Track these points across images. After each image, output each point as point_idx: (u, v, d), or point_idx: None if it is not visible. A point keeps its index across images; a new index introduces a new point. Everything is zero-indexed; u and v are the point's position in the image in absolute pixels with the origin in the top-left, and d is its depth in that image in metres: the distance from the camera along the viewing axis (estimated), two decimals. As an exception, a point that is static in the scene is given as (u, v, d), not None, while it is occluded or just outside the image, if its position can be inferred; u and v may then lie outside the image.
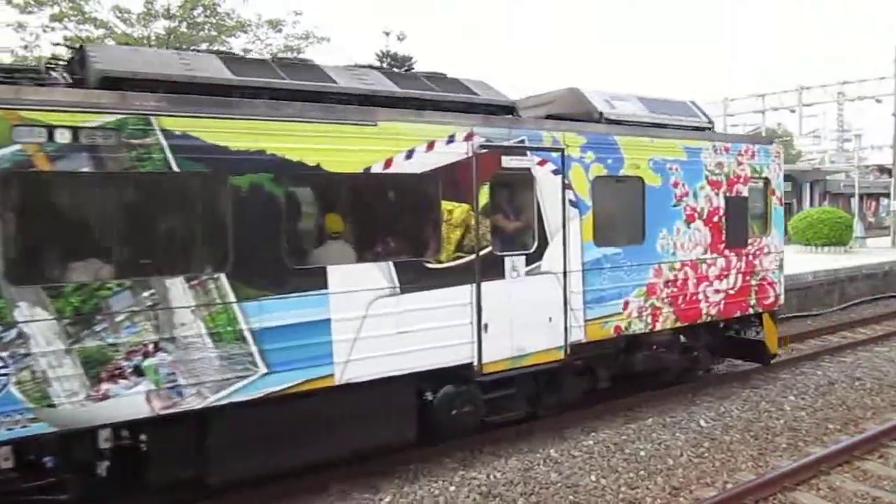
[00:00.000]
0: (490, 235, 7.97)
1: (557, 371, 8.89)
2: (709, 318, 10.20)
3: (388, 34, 34.90)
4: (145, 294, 5.99)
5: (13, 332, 5.52)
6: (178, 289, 6.10)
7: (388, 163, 7.25)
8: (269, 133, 6.57)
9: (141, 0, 24.59)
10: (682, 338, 10.37)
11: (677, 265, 9.75)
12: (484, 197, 7.91)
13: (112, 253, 6.00)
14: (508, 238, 8.24)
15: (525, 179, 8.30)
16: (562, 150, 8.57)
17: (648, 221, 9.42)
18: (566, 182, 8.60)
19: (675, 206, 9.72)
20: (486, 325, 7.94)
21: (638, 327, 9.35)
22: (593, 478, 7.23)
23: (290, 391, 6.71)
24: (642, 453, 7.82)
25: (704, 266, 10.08)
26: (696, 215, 9.97)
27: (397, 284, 7.30)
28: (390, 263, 7.27)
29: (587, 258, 8.79)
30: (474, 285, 7.83)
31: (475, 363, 7.89)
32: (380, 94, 7.56)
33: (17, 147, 5.55)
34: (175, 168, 6.10)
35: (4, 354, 5.48)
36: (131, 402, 5.94)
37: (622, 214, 9.35)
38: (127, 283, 5.93)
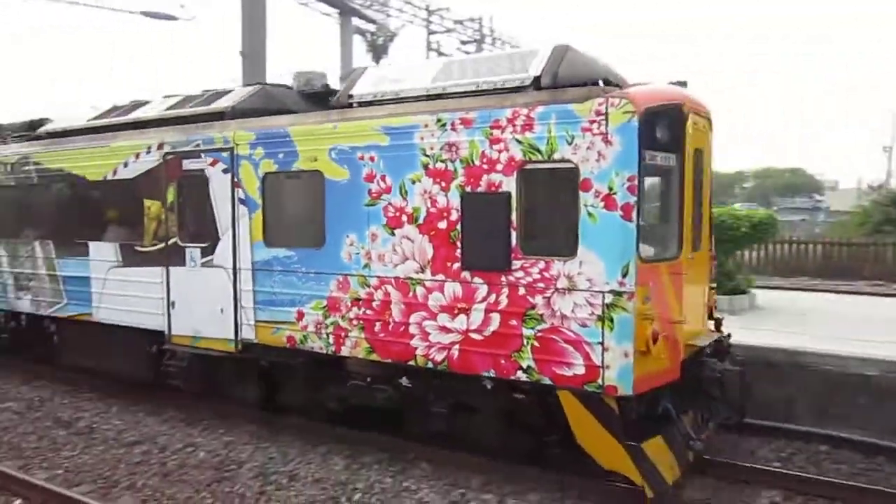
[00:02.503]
0: (176, 228, 9.25)
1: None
2: (430, 365, 7.29)
3: None
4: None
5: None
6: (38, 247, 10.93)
7: (114, 171, 9.90)
8: (65, 156, 10.55)
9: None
10: (404, 380, 7.70)
11: (372, 282, 7.61)
12: (171, 195, 9.27)
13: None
14: (190, 231, 9.14)
15: (201, 179, 8.95)
16: (231, 149, 8.65)
17: (329, 223, 7.86)
18: (236, 180, 8.62)
19: (368, 205, 7.58)
20: (173, 303, 9.35)
21: (317, 345, 8.07)
22: None
23: (73, 318, 10.59)
24: None
25: (420, 289, 7.30)
26: (404, 219, 7.36)
27: (121, 259, 9.91)
28: (117, 244, 9.94)
29: (257, 258, 8.49)
30: (164, 268, 9.39)
31: (167, 332, 9.45)
32: (152, 119, 10.01)
33: None
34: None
35: None
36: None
37: (297, 214, 8.16)
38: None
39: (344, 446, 8.36)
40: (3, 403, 10.47)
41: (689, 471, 7.22)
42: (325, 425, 8.61)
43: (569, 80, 6.76)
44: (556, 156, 6.37)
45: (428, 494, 7.10)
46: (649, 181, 6.57)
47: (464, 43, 33.93)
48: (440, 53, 30.92)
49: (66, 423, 9.51)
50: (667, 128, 6.48)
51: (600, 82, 6.79)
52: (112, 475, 7.75)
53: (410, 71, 7.94)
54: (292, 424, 8.91)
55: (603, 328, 6.21)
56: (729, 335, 8.21)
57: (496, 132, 6.68)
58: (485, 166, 6.76)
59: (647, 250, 6.44)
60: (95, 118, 10.84)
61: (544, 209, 6.64)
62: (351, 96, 8.10)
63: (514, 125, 6.59)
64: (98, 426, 9.39)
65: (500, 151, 6.67)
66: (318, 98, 9.08)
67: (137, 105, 10.62)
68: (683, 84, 7.30)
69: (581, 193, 6.24)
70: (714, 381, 7.11)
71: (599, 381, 6.26)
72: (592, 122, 6.19)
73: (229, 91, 9.60)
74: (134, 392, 10.41)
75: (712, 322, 8.25)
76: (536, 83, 6.84)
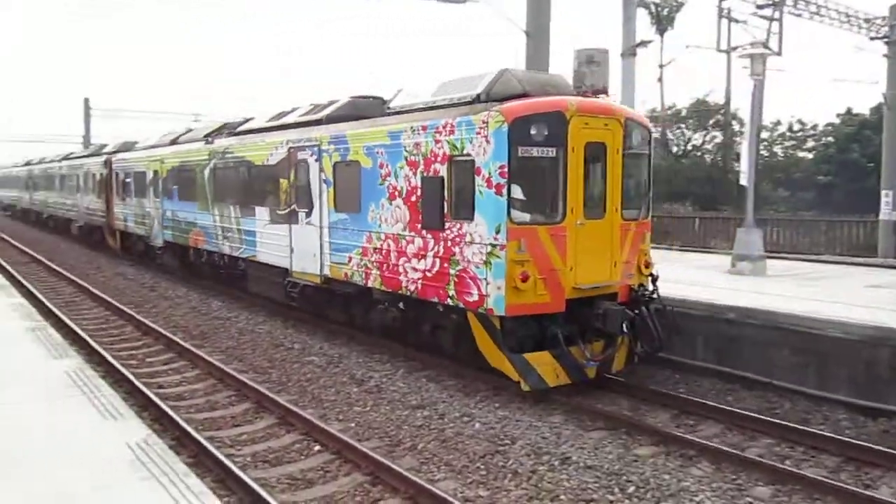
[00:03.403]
0: (293, 198, 13.78)
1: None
2: (408, 293, 10.85)
3: None
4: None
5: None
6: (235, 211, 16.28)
7: (267, 159, 14.74)
8: (245, 148, 15.69)
9: None
10: (401, 305, 11.31)
11: (382, 236, 11.34)
12: (292, 176, 13.79)
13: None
14: (301, 200, 13.53)
15: (306, 165, 13.30)
16: (319, 146, 12.86)
17: (363, 196, 11.70)
18: (321, 167, 12.84)
19: (380, 184, 11.27)
20: (293, 249, 13.94)
21: (357, 279, 12.02)
22: None
23: (249, 259, 15.78)
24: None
25: (403, 242, 10.88)
26: (396, 194, 10.96)
27: (269, 219, 14.77)
28: (268, 208, 14.81)
29: (331, 219, 12.62)
30: (289, 225, 14.00)
31: (290, 269, 14.08)
32: (290, 123, 14.68)
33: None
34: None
35: None
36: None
37: (348, 190, 12.02)
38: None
39: (618, 434, 8.34)
40: (308, 357, 11.86)
41: (590, 381, 9.81)
42: (597, 408, 9.02)
43: (499, 95, 9.71)
44: (465, 151, 9.44)
45: (710, 498, 6.68)
46: (526, 167, 9.27)
47: (759, 7, 29.85)
48: (731, 20, 28.42)
49: (358, 381, 10.41)
50: (543, 129, 9.14)
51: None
52: (396, 434, 8.26)
53: (422, 89, 11.34)
54: (565, 404, 9.25)
55: (487, 269, 9.21)
56: (650, 288, 10.41)
57: (437, 135, 9.90)
58: (432, 158, 10.02)
59: (522, 216, 9.24)
60: (268, 120, 15.78)
61: (459, 188, 9.70)
62: (389, 108, 11.75)
63: (446, 130, 9.76)
64: (385, 387, 10.13)
65: (440, 148, 9.89)
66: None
67: (294, 111, 15.30)
68: (600, 93, 9.82)
69: (476, 177, 9.27)
70: (596, 316, 9.61)
71: (485, 305, 9.28)
72: (481, 128, 9.18)
73: (334, 102, 13.75)
74: (418, 358, 11.45)
75: (649, 276, 10.53)
76: (478, 99, 9.88)
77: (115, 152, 26.77)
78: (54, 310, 15.01)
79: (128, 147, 26.45)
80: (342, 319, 13.38)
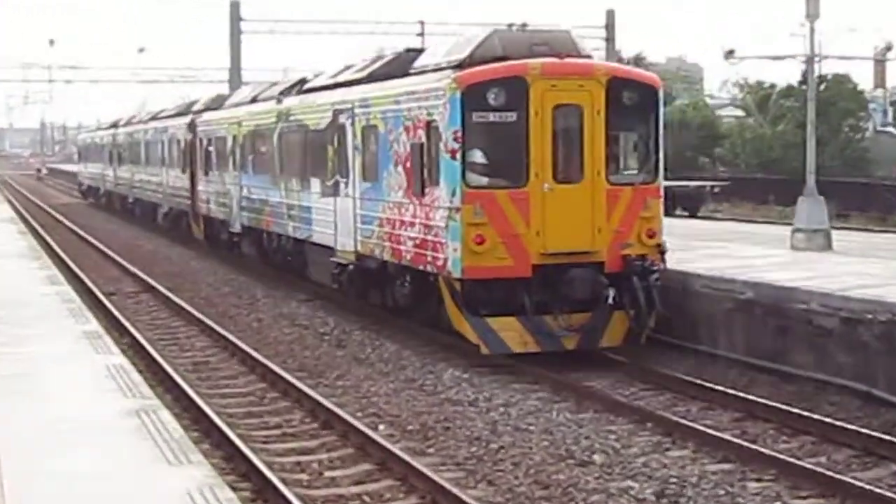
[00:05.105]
0: (336, 167, 23.49)
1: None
2: (407, 263, 19.94)
3: None
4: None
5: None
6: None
7: (318, 122, 24.70)
8: (304, 109, 25.93)
9: None
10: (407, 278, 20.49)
11: (391, 205, 20.60)
12: (336, 142, 23.53)
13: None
14: (341, 169, 23.17)
15: (344, 130, 22.96)
16: (352, 109, 22.46)
17: (379, 163, 21.07)
18: (354, 132, 22.42)
19: (389, 150, 20.57)
20: (336, 225, 23.67)
21: (377, 252, 21.37)
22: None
23: (307, 240, 25.86)
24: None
25: (403, 209, 20.06)
26: (398, 160, 20.18)
27: (320, 192, 24.68)
28: (319, 179, 24.71)
29: (360, 189, 22.18)
30: (334, 198, 23.75)
31: (334, 248, 23.79)
32: (341, 82, 24.58)
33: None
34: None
35: None
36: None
37: (371, 157, 21.41)
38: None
39: None
40: (621, 481, 11.68)
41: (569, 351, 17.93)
42: None
43: (482, 58, 18.57)
44: (433, 117, 18.41)
45: None
46: (484, 133, 17.90)
47: None
48: None
49: None
50: (500, 95, 17.71)
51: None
52: None
53: (440, 49, 20.49)
54: None
55: (447, 232, 18.05)
56: (655, 260, 18.35)
57: (421, 101, 18.97)
58: (417, 124, 19.11)
59: (479, 180, 17.95)
60: (331, 77, 25.81)
61: (432, 154, 18.61)
62: (413, 68, 21.07)
63: (425, 97, 18.79)
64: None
65: (421, 114, 18.94)
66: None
67: (351, 67, 25.18)
68: (561, 56, 18.33)
69: (439, 143, 18.18)
70: (567, 282, 17.92)
71: (447, 267, 18.12)
72: (442, 94, 18.11)
73: (382, 58, 23.32)
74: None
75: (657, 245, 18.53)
76: (463, 63, 18.80)
77: (202, 111, 38.36)
78: (176, 378, 16.78)
79: (219, 103, 37.77)
80: (378, 302, 22.78)
